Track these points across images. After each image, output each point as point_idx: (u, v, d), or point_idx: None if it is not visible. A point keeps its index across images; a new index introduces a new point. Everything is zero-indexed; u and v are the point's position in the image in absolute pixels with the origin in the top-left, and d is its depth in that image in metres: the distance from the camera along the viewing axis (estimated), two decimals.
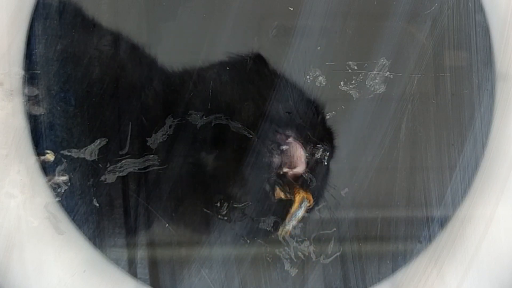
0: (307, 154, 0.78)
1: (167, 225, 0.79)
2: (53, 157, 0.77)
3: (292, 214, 0.78)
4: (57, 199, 0.77)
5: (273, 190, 0.78)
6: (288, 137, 0.78)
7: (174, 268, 0.80)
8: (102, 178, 0.78)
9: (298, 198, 0.78)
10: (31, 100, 0.77)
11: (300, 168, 0.78)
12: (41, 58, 0.77)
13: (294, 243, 0.80)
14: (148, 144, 0.78)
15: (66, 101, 0.77)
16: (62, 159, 0.77)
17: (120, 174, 0.78)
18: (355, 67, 0.80)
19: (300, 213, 0.78)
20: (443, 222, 0.81)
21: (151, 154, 0.78)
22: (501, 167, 0.80)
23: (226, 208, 0.79)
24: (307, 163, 0.79)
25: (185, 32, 0.80)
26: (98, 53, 0.78)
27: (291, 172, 0.79)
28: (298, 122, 0.79)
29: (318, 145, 0.79)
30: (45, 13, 0.77)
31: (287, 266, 0.80)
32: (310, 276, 0.81)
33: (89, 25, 0.78)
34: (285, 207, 0.80)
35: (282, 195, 0.78)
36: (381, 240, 0.81)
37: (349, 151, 0.81)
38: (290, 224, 0.78)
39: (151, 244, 0.80)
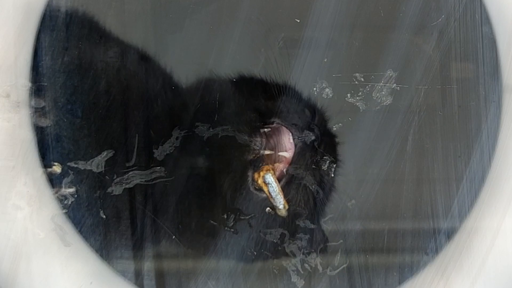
0: (295, 138, 0.78)
1: (173, 237, 0.79)
2: (60, 169, 0.77)
3: (270, 194, 0.77)
4: (64, 211, 0.77)
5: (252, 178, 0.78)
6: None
7: (181, 280, 0.80)
8: (109, 190, 0.78)
9: (260, 179, 0.77)
10: (37, 112, 0.77)
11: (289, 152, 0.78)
12: (48, 70, 0.77)
13: (301, 255, 0.80)
14: (155, 156, 0.78)
15: (72, 113, 0.77)
16: (69, 171, 0.77)
17: (127, 186, 0.78)
18: (362, 79, 0.80)
19: (273, 187, 0.77)
20: (449, 234, 0.81)
21: (158, 166, 0.78)
22: (508, 179, 0.80)
23: (233, 220, 0.79)
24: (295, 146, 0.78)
25: (192, 44, 0.80)
26: (104, 65, 0.78)
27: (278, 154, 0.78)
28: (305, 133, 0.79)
29: (325, 157, 0.79)
30: (52, 25, 0.77)
31: (294, 278, 0.80)
32: None
33: (95, 37, 0.79)
34: (291, 219, 0.80)
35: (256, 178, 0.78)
36: (387, 252, 0.81)
37: (355, 163, 0.81)
38: (278, 202, 0.78)
39: (157, 256, 0.80)
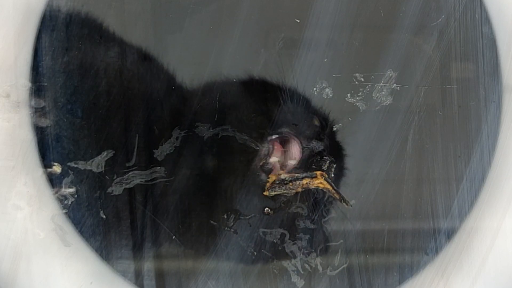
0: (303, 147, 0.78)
1: (173, 237, 0.79)
2: (60, 169, 0.77)
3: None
4: (64, 211, 0.77)
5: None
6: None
7: (181, 280, 0.80)
8: (109, 190, 0.78)
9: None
10: (37, 112, 0.77)
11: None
12: (48, 70, 0.77)
13: (301, 255, 0.80)
14: (155, 156, 0.78)
15: (73, 113, 0.77)
16: (69, 171, 0.77)
17: (127, 186, 0.78)
18: (362, 79, 0.80)
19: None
20: (449, 234, 0.81)
21: (158, 166, 0.78)
22: (508, 179, 0.80)
23: (233, 220, 0.79)
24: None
25: (192, 44, 0.80)
26: (104, 65, 0.78)
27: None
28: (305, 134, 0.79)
29: (325, 157, 0.79)
30: (52, 24, 0.77)
31: (294, 278, 0.80)
32: None
33: (96, 36, 0.79)
34: (291, 219, 0.80)
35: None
36: (387, 252, 0.81)
37: (355, 163, 0.81)
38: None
39: (158, 256, 0.80)
